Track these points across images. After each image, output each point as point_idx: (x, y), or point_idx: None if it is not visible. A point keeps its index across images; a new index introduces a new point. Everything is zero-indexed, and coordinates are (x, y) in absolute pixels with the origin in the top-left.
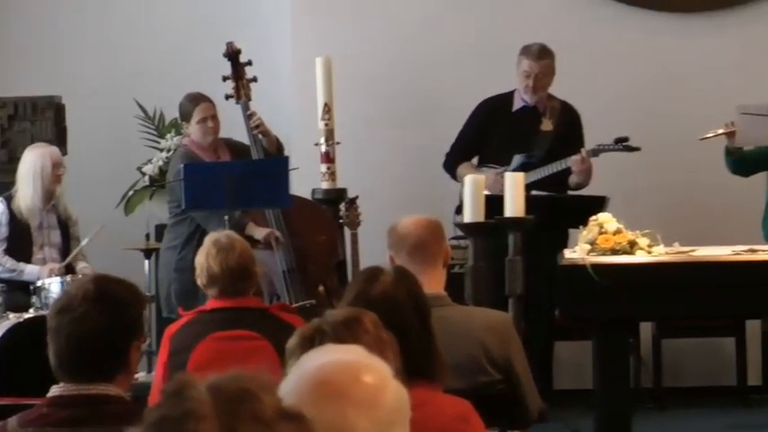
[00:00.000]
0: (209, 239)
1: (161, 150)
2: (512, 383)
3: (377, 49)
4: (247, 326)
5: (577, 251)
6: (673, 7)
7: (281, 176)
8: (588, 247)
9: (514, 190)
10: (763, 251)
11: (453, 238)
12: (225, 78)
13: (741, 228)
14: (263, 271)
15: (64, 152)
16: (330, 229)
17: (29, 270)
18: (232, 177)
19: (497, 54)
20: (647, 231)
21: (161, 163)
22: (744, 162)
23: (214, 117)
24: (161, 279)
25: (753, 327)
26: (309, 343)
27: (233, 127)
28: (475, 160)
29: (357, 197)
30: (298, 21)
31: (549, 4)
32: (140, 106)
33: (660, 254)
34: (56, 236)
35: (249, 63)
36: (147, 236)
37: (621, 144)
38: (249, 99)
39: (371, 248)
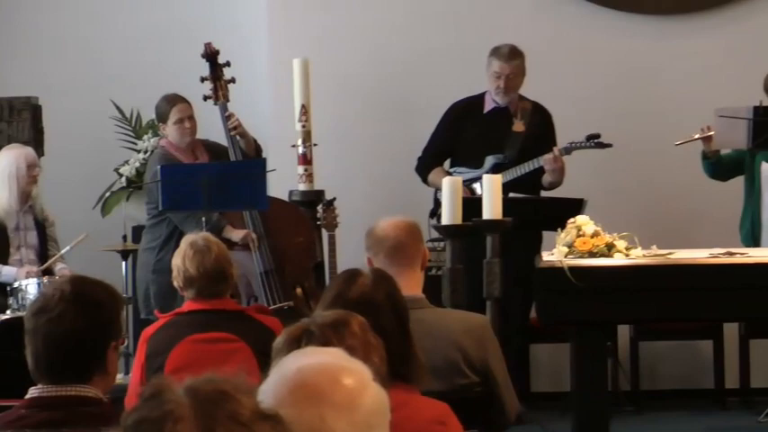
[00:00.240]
0: (185, 241)
1: (138, 152)
2: (489, 386)
3: (353, 50)
4: (224, 328)
5: (555, 254)
6: (647, 9)
7: (258, 178)
8: (566, 249)
9: (492, 192)
10: (741, 254)
11: (429, 241)
12: (203, 79)
13: (719, 231)
14: (241, 272)
15: (41, 153)
16: (308, 230)
17: (5, 271)
18: (209, 179)
19: (474, 54)
20: (624, 234)
21: (138, 164)
22: (720, 166)
23: (191, 118)
24: (139, 280)
25: (730, 330)
26: (296, 343)
27: (211, 128)
28: (447, 164)
29: (334, 199)
30: (274, 22)
31: (524, 5)
32: (117, 107)
33: (638, 257)
34: (32, 237)
35: (227, 64)
36: (125, 237)
37: (593, 141)
38: (227, 100)
39: (349, 250)
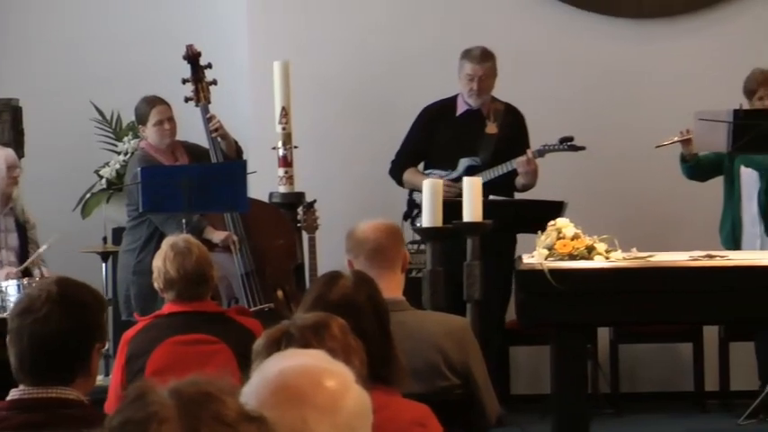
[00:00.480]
0: (166, 243)
1: (118, 153)
2: (470, 388)
3: (333, 52)
4: (205, 330)
5: (535, 256)
6: (628, 13)
7: (239, 180)
8: (546, 252)
9: (472, 194)
10: (721, 257)
11: (408, 243)
12: (184, 81)
13: (699, 234)
14: (222, 274)
15: (21, 155)
16: (288, 232)
17: None
18: (190, 180)
19: (454, 56)
20: (605, 237)
21: (118, 166)
22: (699, 168)
23: (170, 119)
24: (119, 282)
25: (710, 332)
26: (276, 345)
27: (192, 130)
28: (421, 166)
29: (315, 201)
30: (254, 24)
31: (504, 8)
32: (97, 109)
33: (618, 259)
34: (13, 239)
35: (209, 66)
36: (105, 239)
37: (566, 144)
38: (209, 102)
39: (329, 252)
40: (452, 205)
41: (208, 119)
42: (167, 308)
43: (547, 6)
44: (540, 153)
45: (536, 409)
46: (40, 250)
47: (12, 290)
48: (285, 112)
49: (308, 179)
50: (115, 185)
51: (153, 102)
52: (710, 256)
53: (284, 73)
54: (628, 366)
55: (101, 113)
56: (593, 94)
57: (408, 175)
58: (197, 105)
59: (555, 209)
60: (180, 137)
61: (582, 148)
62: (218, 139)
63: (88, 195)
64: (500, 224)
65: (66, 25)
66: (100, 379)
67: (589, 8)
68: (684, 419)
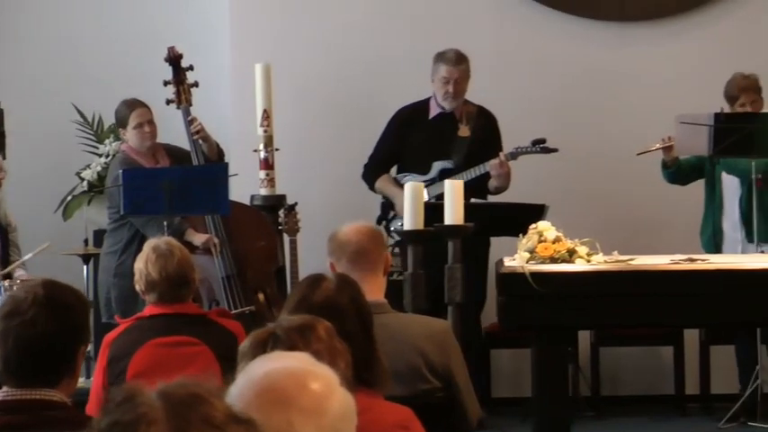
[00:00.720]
0: (148, 245)
1: (99, 156)
2: (451, 391)
3: (314, 55)
4: (186, 332)
5: (517, 259)
6: (609, 16)
7: (220, 182)
8: (527, 255)
9: (453, 197)
10: (702, 260)
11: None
12: (166, 83)
13: (680, 237)
14: (203, 277)
15: (2, 157)
16: (269, 235)
17: None
18: (171, 183)
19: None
20: (586, 240)
21: (99, 168)
22: (680, 172)
23: (150, 122)
24: (100, 284)
25: (690, 336)
26: (262, 347)
27: (173, 132)
28: (394, 171)
29: (296, 204)
30: (236, 27)
31: (483, 10)
32: (79, 111)
33: (599, 262)
34: None
35: (191, 68)
36: (86, 241)
37: (539, 146)
38: (190, 104)
39: (311, 255)
40: (429, 208)
41: (189, 121)
42: (149, 310)
43: (526, 9)
44: (513, 156)
45: (517, 412)
46: (25, 258)
47: None
48: (267, 115)
49: (289, 181)
50: (96, 188)
51: (133, 105)
52: (692, 260)
53: (266, 76)
54: (609, 369)
55: (82, 115)
56: (574, 97)
57: (381, 184)
58: (178, 107)
59: (536, 212)
60: (161, 139)
61: (554, 150)
62: (200, 141)
63: (69, 197)
64: (480, 227)
65: (48, 27)
66: (81, 381)
67: (569, 10)
68: (665, 423)
